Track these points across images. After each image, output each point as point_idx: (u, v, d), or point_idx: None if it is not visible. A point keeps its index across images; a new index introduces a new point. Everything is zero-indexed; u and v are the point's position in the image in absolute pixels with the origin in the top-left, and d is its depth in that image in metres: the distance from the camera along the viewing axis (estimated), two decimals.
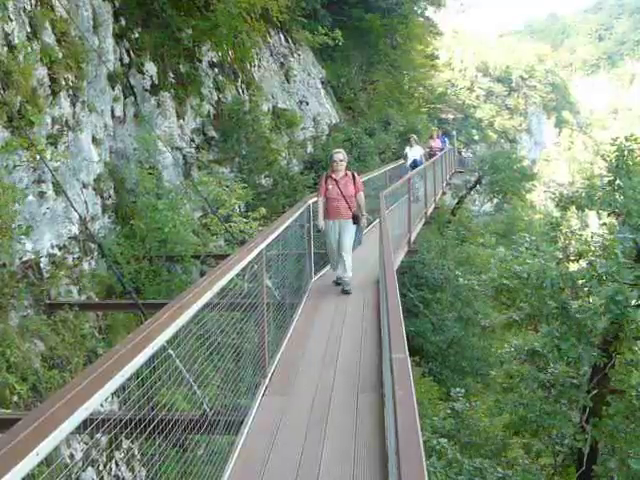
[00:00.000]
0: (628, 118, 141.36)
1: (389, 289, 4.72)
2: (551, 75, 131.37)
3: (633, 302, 10.88)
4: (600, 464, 12.21)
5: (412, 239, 15.00)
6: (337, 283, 10.59)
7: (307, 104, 25.29)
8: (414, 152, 23.48)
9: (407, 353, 3.12)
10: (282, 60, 24.33)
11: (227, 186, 13.61)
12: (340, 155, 10.49)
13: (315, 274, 11.17)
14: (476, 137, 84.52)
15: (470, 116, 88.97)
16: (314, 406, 5.98)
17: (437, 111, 55.17)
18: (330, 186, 10.31)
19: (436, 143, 28.60)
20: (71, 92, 10.07)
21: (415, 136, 25.20)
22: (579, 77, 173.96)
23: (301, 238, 10.58)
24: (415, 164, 22.61)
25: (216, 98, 16.79)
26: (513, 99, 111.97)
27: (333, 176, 10.37)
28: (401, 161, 24.18)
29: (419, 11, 40.68)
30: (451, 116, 70.85)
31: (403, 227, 14.64)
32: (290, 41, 25.51)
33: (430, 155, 26.15)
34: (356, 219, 10.35)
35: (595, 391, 12.07)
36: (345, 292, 10.15)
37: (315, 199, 10.75)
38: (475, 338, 22.46)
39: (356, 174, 10.77)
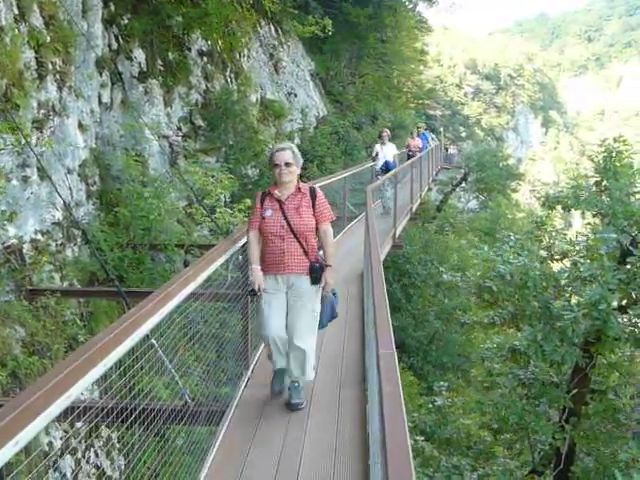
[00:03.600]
0: (614, 120, 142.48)
1: (375, 283, 4.71)
2: (539, 75, 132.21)
3: (615, 304, 10.90)
4: (577, 464, 12.27)
5: (397, 234, 15.00)
6: (279, 390, 6.13)
7: (295, 96, 25.25)
8: (386, 151, 19.09)
9: (394, 348, 3.11)
10: (271, 51, 24.26)
11: (213, 176, 13.54)
12: (286, 154, 5.83)
13: None
14: (463, 134, 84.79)
15: (458, 113, 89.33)
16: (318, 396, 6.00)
17: (425, 107, 55.26)
18: (269, 212, 5.84)
19: (415, 142, 25.80)
20: (58, 77, 9.96)
21: (388, 131, 20.44)
22: (567, 77, 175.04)
23: None
24: (387, 167, 18.53)
25: (204, 87, 16.70)
26: (501, 97, 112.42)
27: (275, 194, 5.87)
28: (371, 163, 19.95)
29: (410, 5, 40.67)
30: (439, 112, 71.06)
31: (388, 222, 14.64)
32: (280, 32, 25.43)
33: (409, 156, 23.78)
34: (317, 275, 5.84)
35: (575, 391, 12.10)
36: (293, 407, 5.83)
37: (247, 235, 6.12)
38: (457, 334, 22.56)
39: (317, 188, 6.11)
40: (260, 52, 22.82)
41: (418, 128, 30.39)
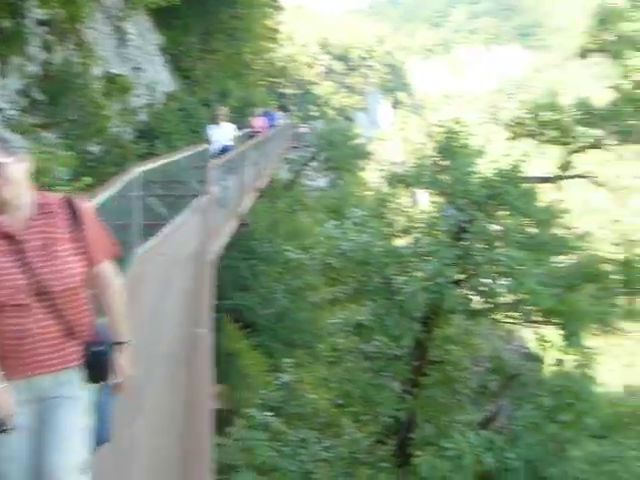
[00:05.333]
0: (459, 103, 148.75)
1: (203, 267, 4.70)
2: (390, 57, 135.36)
3: (452, 277, 11.40)
4: (417, 431, 12.82)
5: (243, 212, 14.98)
6: None
7: (142, 70, 24.60)
8: (223, 133, 16.51)
9: (210, 327, 3.12)
10: (117, 23, 23.46)
11: (51, 152, 13.01)
12: None
13: (142, 245, 10.79)
14: (314, 113, 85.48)
15: (309, 92, 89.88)
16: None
17: (277, 85, 55.34)
18: None
19: (258, 122, 24.07)
20: None
21: (225, 110, 17.88)
22: (416, 61, 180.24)
23: (126, 208, 9.60)
24: (224, 151, 15.91)
25: (44, 59, 15.97)
26: (352, 78, 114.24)
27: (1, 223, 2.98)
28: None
29: None
30: (290, 91, 71.34)
31: (235, 199, 14.58)
32: (126, 4, 24.64)
33: (250, 137, 21.61)
34: (100, 366, 3.18)
35: (416, 363, 12.61)
36: None
37: None
38: (305, 312, 22.79)
39: (81, 201, 3.20)
40: (104, 23, 22.03)
41: (268, 107, 30.13)
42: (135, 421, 5.06)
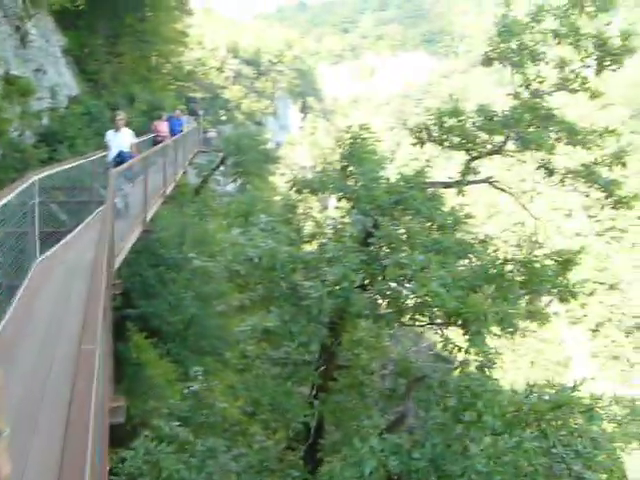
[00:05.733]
0: (368, 108, 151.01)
1: (97, 278, 4.58)
2: (299, 62, 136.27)
3: (357, 282, 11.46)
4: (326, 437, 12.84)
5: (148, 218, 14.73)
6: None
7: (44, 73, 23.91)
8: (120, 140, 16.22)
9: (98, 344, 3.02)
10: (17, 23, 22.74)
11: None
12: None
13: (42, 253, 10.49)
14: (223, 118, 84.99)
15: (218, 96, 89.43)
16: (26, 395, 5.67)
17: (185, 89, 54.77)
18: None
19: (162, 127, 23.99)
20: None
21: (123, 115, 17.50)
22: (325, 66, 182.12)
23: (23, 216, 9.44)
24: (121, 158, 15.68)
25: None
26: (261, 82, 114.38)
27: None
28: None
29: None
30: (200, 95, 70.72)
31: (139, 206, 14.34)
32: (27, 3, 23.90)
33: (155, 142, 21.75)
34: None
35: (323, 368, 12.63)
36: None
37: None
38: (214, 318, 22.60)
39: None
40: (4, 23, 21.32)
41: (177, 111, 29.66)
42: (29, 446, 4.88)
